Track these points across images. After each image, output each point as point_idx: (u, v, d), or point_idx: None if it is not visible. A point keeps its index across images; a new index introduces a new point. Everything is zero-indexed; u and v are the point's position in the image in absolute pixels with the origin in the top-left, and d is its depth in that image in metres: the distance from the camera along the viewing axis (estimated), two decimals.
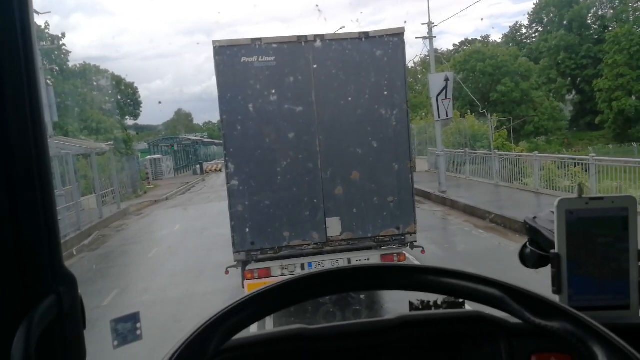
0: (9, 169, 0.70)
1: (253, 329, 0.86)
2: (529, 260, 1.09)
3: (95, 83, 32.92)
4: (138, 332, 1.06)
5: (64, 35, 30.59)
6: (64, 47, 29.91)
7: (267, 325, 5.32)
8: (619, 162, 12.23)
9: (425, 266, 0.75)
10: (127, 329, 1.05)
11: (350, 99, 5.88)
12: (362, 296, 6.22)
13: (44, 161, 0.74)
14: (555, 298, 0.97)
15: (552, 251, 0.97)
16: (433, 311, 0.97)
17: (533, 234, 1.07)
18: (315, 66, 5.76)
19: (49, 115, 15.18)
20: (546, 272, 1.03)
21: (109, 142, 22.40)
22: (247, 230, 5.92)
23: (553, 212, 0.98)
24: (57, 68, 26.39)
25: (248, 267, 6.01)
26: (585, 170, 12.73)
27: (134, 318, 1.07)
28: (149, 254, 11.89)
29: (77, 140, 21.01)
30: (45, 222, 0.74)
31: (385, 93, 5.91)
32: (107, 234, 15.51)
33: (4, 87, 0.69)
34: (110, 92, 35.73)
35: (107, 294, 8.39)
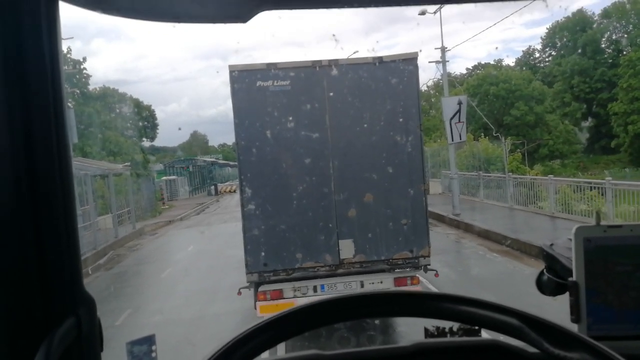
0: (34, 192, 0.72)
1: (265, 354, 0.86)
2: (546, 287, 1.08)
3: (115, 107, 33.58)
4: (153, 355, 1.07)
5: (85, 59, 31.32)
6: (85, 71, 30.63)
7: (279, 349, 5.26)
8: (636, 187, 12.02)
9: (442, 293, 0.75)
10: (142, 351, 1.06)
11: (365, 125, 5.92)
12: (376, 321, 6.14)
13: (68, 184, 0.76)
14: (574, 327, 0.96)
15: (570, 279, 0.96)
16: (449, 339, 0.96)
17: (550, 261, 1.06)
18: (331, 94, 5.83)
19: (70, 137, 15.48)
20: (562, 298, 1.02)
21: (126, 164, 22.71)
22: (259, 252, 5.93)
23: (570, 239, 0.97)
24: (78, 91, 27.03)
25: (260, 289, 5.99)
26: (602, 194, 12.54)
27: (150, 340, 1.07)
28: (162, 274, 11.91)
29: (95, 161, 21.36)
30: (67, 244, 0.75)
31: (400, 119, 5.95)
32: (122, 254, 15.60)
33: (31, 111, 0.72)
34: (128, 114, 36.38)
35: (120, 314, 8.40)
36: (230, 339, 0.68)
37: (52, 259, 0.74)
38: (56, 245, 0.74)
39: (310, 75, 5.88)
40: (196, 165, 47.34)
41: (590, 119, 47.54)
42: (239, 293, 6.29)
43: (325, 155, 5.92)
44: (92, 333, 0.78)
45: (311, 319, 0.73)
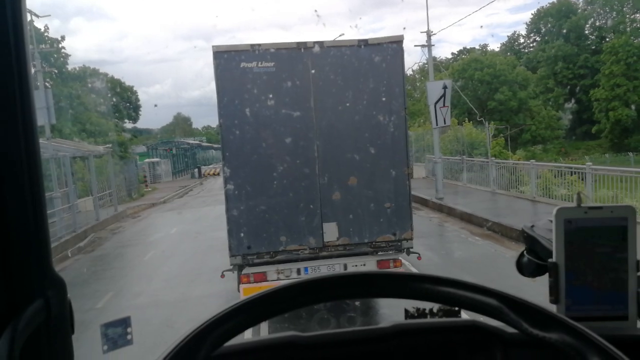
0: None
1: (247, 334, 0.84)
2: (526, 269, 1.08)
3: (93, 86, 32.92)
4: (128, 337, 1.04)
5: (63, 38, 30.62)
6: (63, 50, 29.94)
7: (262, 330, 5.29)
8: (615, 172, 12.26)
9: (422, 274, 0.74)
10: (117, 333, 1.03)
11: (348, 104, 5.89)
12: (357, 303, 6.19)
13: (35, 163, 0.73)
14: (553, 308, 0.96)
15: (550, 260, 0.96)
16: (429, 319, 0.96)
17: (531, 242, 1.06)
18: (313, 71, 5.77)
19: (47, 118, 15.12)
20: (543, 280, 1.02)
21: (108, 145, 22.35)
22: (242, 235, 5.90)
23: (551, 221, 0.97)
24: (55, 71, 26.36)
25: (244, 271, 5.99)
26: (582, 179, 12.76)
27: (125, 322, 1.05)
28: (145, 256, 11.84)
29: (74, 143, 20.97)
30: (35, 224, 0.72)
31: (384, 99, 5.92)
32: (103, 237, 15.45)
33: None
34: (109, 95, 35.73)
35: (102, 297, 8.34)
36: (206, 319, 0.67)
37: (19, 240, 0.71)
38: (23, 226, 0.71)
39: (294, 56, 5.81)
40: (180, 148, 46.89)
41: (573, 102, 48.17)
42: (222, 276, 6.29)
43: (309, 137, 5.89)
44: (61, 315, 0.75)
45: (289, 300, 0.72)
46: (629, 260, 0.93)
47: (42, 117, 14.66)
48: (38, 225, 0.73)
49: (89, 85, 32.30)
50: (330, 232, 6.02)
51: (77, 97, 27.91)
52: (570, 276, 0.95)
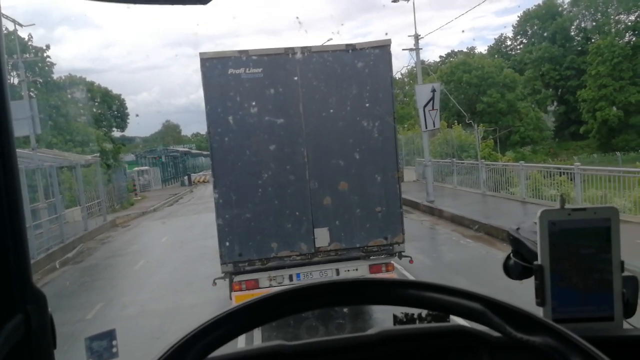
0: None
1: (241, 341, 0.83)
2: (512, 271, 1.08)
3: (80, 95, 32.65)
4: (114, 350, 1.03)
5: (48, 47, 30.40)
6: (48, 59, 29.70)
7: (256, 338, 5.25)
8: (603, 171, 12.38)
9: (406, 280, 0.74)
10: (102, 346, 1.02)
11: (336, 109, 5.89)
12: (345, 309, 6.15)
13: (12, 174, 0.71)
14: (539, 310, 0.96)
15: (535, 263, 0.96)
16: (416, 325, 0.95)
17: (516, 245, 1.06)
18: (301, 77, 5.77)
19: (32, 128, 14.95)
20: (532, 281, 1.02)
21: (95, 154, 22.16)
22: (233, 242, 5.87)
23: (536, 223, 0.97)
24: (40, 80, 26.12)
25: (236, 279, 5.95)
26: (571, 180, 12.86)
27: (110, 335, 1.04)
28: (135, 266, 11.73)
29: (61, 153, 20.78)
30: (13, 237, 0.71)
31: (372, 104, 5.93)
32: (93, 247, 15.30)
33: None
34: (96, 104, 35.46)
35: (92, 308, 8.24)
36: (191, 330, 0.66)
37: None
38: (0, 239, 0.70)
39: (282, 62, 5.81)
40: (169, 155, 46.62)
41: (556, 104, 48.66)
42: (214, 284, 6.24)
43: (299, 143, 5.88)
44: (42, 330, 0.74)
45: (275, 310, 0.71)
46: (613, 261, 0.94)
47: (27, 127, 14.52)
48: (16, 237, 0.71)
49: (75, 94, 32.02)
50: (322, 237, 6.00)
51: (63, 106, 27.67)
52: (555, 278, 0.95)
